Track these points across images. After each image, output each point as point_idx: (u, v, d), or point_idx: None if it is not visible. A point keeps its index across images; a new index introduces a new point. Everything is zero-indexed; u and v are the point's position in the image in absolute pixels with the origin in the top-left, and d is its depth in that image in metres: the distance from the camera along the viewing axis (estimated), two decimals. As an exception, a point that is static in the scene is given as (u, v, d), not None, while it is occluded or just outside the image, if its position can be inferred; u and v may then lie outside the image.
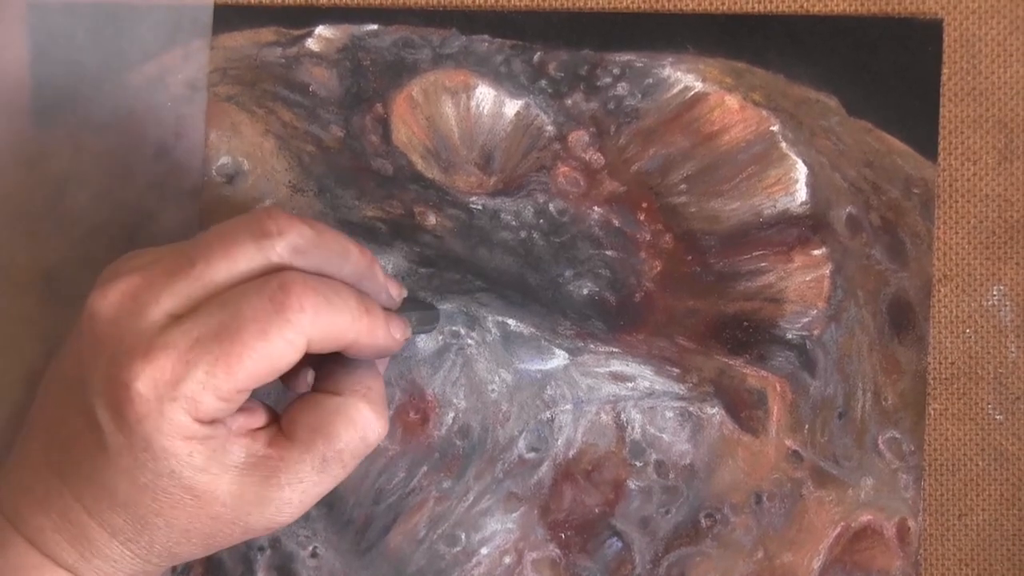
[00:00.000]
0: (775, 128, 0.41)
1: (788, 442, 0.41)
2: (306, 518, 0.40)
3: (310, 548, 0.40)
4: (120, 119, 0.40)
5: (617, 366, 0.41)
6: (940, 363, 0.41)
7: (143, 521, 0.30)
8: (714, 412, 0.41)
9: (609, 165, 0.41)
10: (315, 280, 0.30)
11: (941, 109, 0.41)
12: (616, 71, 0.41)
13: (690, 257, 0.41)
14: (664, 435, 0.41)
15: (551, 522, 0.40)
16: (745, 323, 0.41)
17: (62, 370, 0.32)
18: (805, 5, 0.41)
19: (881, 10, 0.41)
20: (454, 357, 0.40)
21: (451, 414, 0.40)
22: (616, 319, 0.41)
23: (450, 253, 0.41)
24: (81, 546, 0.31)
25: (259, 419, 0.32)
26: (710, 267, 0.41)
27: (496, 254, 0.41)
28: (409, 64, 0.41)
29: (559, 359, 0.40)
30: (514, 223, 0.41)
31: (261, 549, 0.40)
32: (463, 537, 0.40)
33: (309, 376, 0.34)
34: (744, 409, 0.41)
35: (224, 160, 0.41)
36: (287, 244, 0.30)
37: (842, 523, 0.40)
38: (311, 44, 0.41)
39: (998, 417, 0.41)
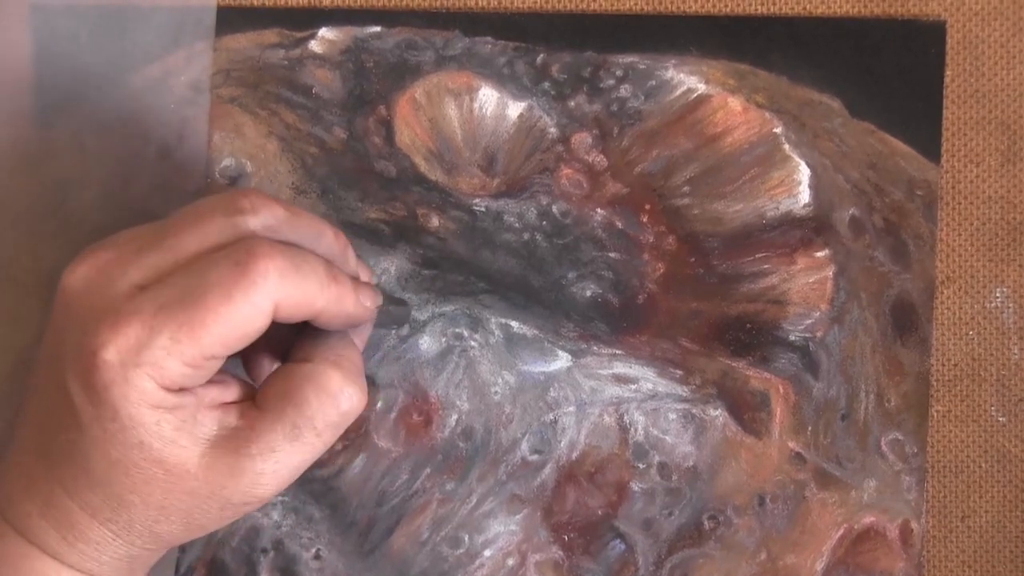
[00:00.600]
0: (778, 130, 0.41)
1: (791, 444, 0.41)
2: (309, 520, 0.40)
3: (313, 550, 0.40)
4: (123, 121, 0.40)
5: (620, 368, 0.41)
6: (943, 365, 0.41)
7: (119, 499, 0.30)
8: (717, 414, 0.41)
9: (612, 167, 0.41)
10: (282, 246, 0.30)
11: (944, 111, 0.41)
12: (619, 73, 0.41)
13: (693, 259, 0.41)
14: (667, 437, 0.41)
15: (554, 524, 0.40)
16: (748, 325, 0.41)
17: (43, 352, 0.32)
18: (808, 7, 0.41)
19: (884, 12, 0.41)
20: (457, 359, 0.40)
21: (454, 416, 0.40)
22: (619, 321, 0.41)
23: (453, 255, 0.41)
24: (64, 530, 0.31)
25: (232, 393, 0.32)
26: (713, 269, 0.41)
27: (499, 256, 0.41)
28: (412, 66, 0.41)
29: (562, 361, 0.40)
30: (517, 225, 0.41)
31: (264, 551, 0.40)
32: (466, 539, 0.40)
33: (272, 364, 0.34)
34: (747, 411, 0.41)
35: (227, 162, 0.41)
36: (259, 220, 0.31)
37: (845, 525, 0.40)
38: (314, 46, 0.41)
39: (1001, 419, 0.41)
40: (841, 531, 0.40)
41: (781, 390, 0.41)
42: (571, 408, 0.40)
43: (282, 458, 0.31)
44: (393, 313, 0.37)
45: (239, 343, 0.30)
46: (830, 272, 0.41)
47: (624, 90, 0.41)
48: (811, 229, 0.41)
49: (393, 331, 0.40)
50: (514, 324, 0.40)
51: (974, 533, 0.41)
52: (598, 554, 0.40)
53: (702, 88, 0.41)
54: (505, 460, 0.40)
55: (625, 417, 0.41)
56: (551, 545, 0.40)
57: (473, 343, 0.40)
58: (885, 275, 0.41)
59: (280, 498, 0.40)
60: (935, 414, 0.41)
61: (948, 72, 0.41)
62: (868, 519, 0.40)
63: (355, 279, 0.34)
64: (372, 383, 0.40)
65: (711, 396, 0.41)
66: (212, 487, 0.30)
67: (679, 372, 0.41)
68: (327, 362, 0.32)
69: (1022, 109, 0.41)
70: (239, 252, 0.29)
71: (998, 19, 0.41)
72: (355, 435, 0.40)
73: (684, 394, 0.41)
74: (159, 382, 0.29)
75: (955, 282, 0.41)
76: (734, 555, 0.40)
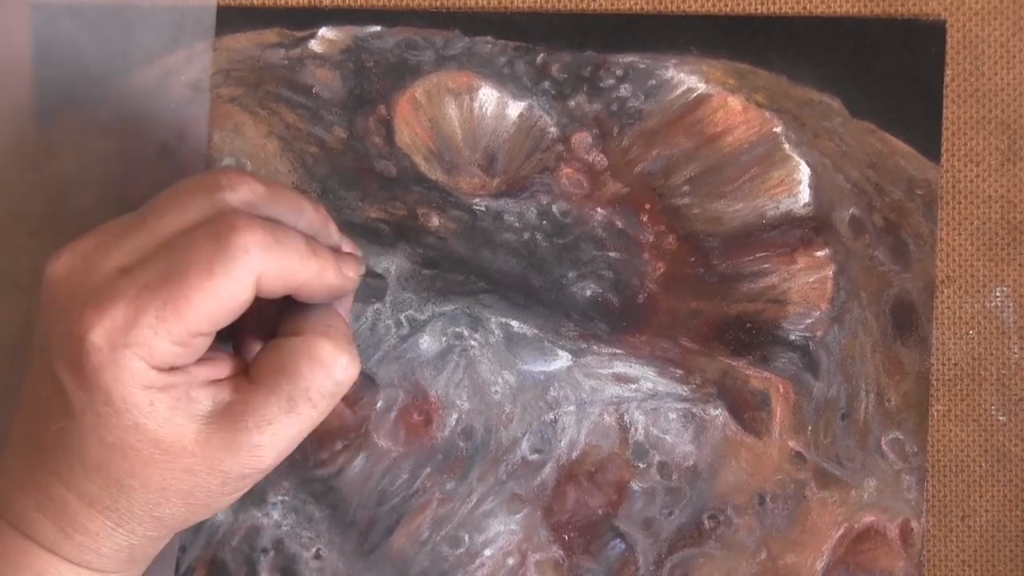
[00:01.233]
0: (778, 129, 0.41)
1: (791, 443, 0.41)
2: (309, 519, 0.40)
3: (314, 550, 0.40)
4: (123, 121, 0.40)
5: (620, 367, 0.41)
6: (943, 364, 0.41)
7: (118, 484, 0.30)
8: (717, 413, 0.41)
9: (612, 166, 0.41)
10: (261, 219, 0.30)
11: (944, 110, 0.41)
12: (619, 72, 0.41)
13: (693, 258, 0.41)
14: (667, 436, 0.41)
15: (554, 523, 0.40)
16: (748, 324, 0.41)
17: (33, 348, 0.32)
18: (808, 6, 0.41)
19: (884, 11, 0.41)
20: (457, 359, 0.40)
21: (454, 416, 0.40)
22: (619, 320, 0.41)
23: (453, 254, 0.41)
24: (62, 522, 0.31)
25: (224, 369, 0.32)
26: (713, 268, 0.41)
27: (499, 255, 0.41)
28: (412, 66, 0.41)
29: (562, 360, 0.40)
30: (517, 224, 0.41)
31: (264, 551, 0.40)
32: (466, 538, 0.40)
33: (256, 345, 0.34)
34: (747, 410, 0.41)
35: (227, 161, 0.41)
36: (239, 196, 0.31)
37: (845, 524, 0.40)
38: (314, 46, 0.41)
39: (1001, 418, 0.41)
40: (841, 530, 0.40)
41: (781, 389, 0.41)
42: (571, 407, 0.40)
43: (279, 430, 0.31)
44: (372, 286, 0.37)
45: (225, 318, 0.30)
46: (830, 271, 0.41)
47: (624, 89, 0.41)
48: (811, 228, 0.41)
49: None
50: (514, 323, 0.40)
51: (974, 532, 0.41)
52: (598, 553, 0.40)
53: (702, 88, 0.41)
54: (505, 459, 0.40)
55: (625, 416, 0.41)
56: (551, 544, 0.40)
57: (473, 342, 0.40)
58: (885, 274, 0.41)
59: (280, 498, 0.40)
60: (935, 413, 0.41)
61: (948, 72, 0.41)
62: (868, 518, 0.40)
63: (336, 250, 0.34)
64: (372, 383, 0.40)
65: (711, 395, 0.41)
66: (210, 463, 0.30)
67: (679, 371, 0.41)
68: (316, 333, 0.32)
69: (1022, 108, 0.41)
70: (218, 226, 0.29)
71: (998, 18, 0.41)
72: (355, 435, 0.40)
73: (684, 393, 0.41)
74: (148, 362, 0.29)
75: (955, 281, 0.41)
76: (734, 554, 0.40)
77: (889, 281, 0.41)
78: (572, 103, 0.41)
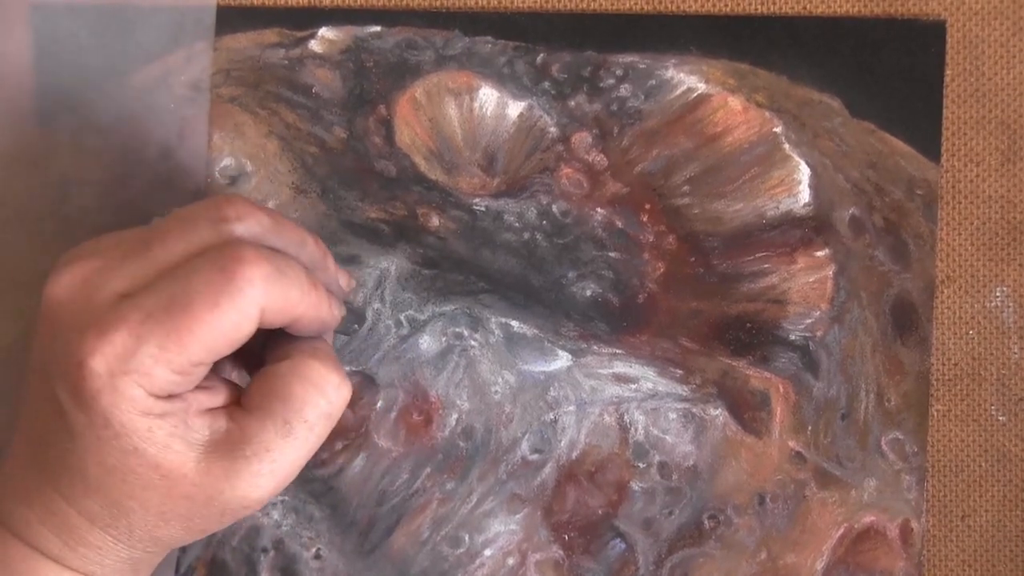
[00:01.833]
0: (778, 129, 0.41)
1: (791, 443, 0.41)
2: (309, 519, 0.40)
3: (314, 549, 0.40)
4: (123, 121, 0.40)
5: (620, 367, 0.41)
6: (943, 364, 0.41)
7: (118, 505, 0.30)
8: (717, 413, 0.41)
9: (612, 166, 0.41)
10: (267, 251, 0.30)
11: (944, 110, 0.41)
12: (619, 72, 0.41)
13: (693, 258, 0.41)
14: (667, 436, 0.41)
15: (554, 523, 0.40)
16: (748, 324, 0.41)
17: (32, 362, 0.32)
18: (808, 6, 0.41)
19: (884, 11, 0.41)
20: (457, 359, 0.40)
21: (454, 415, 0.40)
22: (619, 320, 0.41)
23: (453, 254, 0.41)
24: (65, 535, 0.31)
25: (220, 397, 0.32)
26: (713, 268, 0.41)
27: (499, 255, 0.41)
28: (412, 66, 0.41)
29: (562, 360, 0.40)
30: (517, 224, 0.41)
31: (264, 551, 0.40)
32: (466, 538, 0.40)
33: (234, 374, 0.34)
34: (747, 410, 0.41)
35: (227, 161, 0.41)
36: (245, 228, 0.31)
37: (845, 524, 0.40)
38: (314, 46, 0.41)
39: (1001, 418, 0.41)
40: (841, 530, 0.40)
41: (781, 389, 0.41)
42: (571, 407, 0.40)
43: (277, 456, 0.31)
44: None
45: (226, 349, 0.30)
46: (830, 271, 0.41)
47: (624, 89, 0.41)
48: (811, 228, 0.41)
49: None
50: (514, 323, 0.40)
51: (974, 532, 0.41)
52: (598, 553, 0.40)
53: (702, 87, 0.41)
54: (505, 459, 0.40)
55: (625, 416, 0.41)
56: (551, 544, 0.40)
57: (473, 342, 0.40)
58: (885, 274, 0.41)
59: (280, 498, 0.40)
60: (935, 413, 0.41)
61: (948, 71, 0.41)
62: (868, 518, 0.40)
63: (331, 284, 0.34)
64: (372, 382, 0.40)
65: (711, 395, 0.41)
66: (210, 492, 0.30)
67: (679, 371, 0.41)
68: (305, 354, 0.32)
69: (1022, 108, 0.41)
70: (224, 258, 0.29)
71: (998, 18, 0.41)
72: (355, 435, 0.40)
73: (684, 393, 0.41)
74: (148, 389, 0.29)
75: (955, 281, 0.41)
76: (734, 554, 0.40)
77: (889, 281, 0.41)
78: (572, 103, 0.41)
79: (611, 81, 0.41)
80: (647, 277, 0.41)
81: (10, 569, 0.31)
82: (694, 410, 0.41)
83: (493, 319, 0.40)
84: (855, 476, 0.41)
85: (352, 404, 0.40)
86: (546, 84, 0.41)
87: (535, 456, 0.40)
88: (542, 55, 0.41)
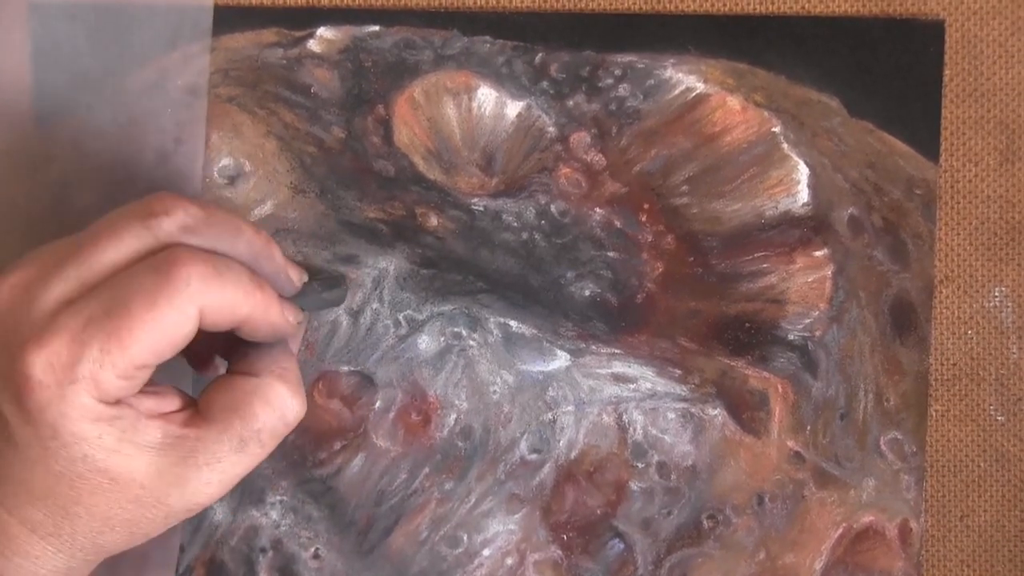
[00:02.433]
0: (777, 129, 0.41)
1: (790, 443, 0.41)
2: (308, 519, 0.40)
3: (312, 550, 0.40)
4: (121, 123, 0.40)
5: (619, 367, 0.41)
6: (942, 364, 0.41)
7: (64, 511, 0.30)
8: (716, 413, 0.41)
9: (611, 166, 0.41)
10: (203, 252, 0.30)
11: (943, 110, 0.41)
12: (618, 72, 0.41)
13: (692, 258, 0.41)
14: (666, 436, 0.41)
15: (553, 523, 0.40)
16: (747, 324, 0.41)
17: None
18: (807, 6, 0.41)
19: (883, 11, 0.41)
20: (456, 358, 0.40)
21: (453, 415, 0.40)
22: (618, 320, 0.41)
23: (452, 254, 0.41)
24: (2, 545, 0.30)
25: (172, 403, 0.32)
26: (712, 268, 0.41)
27: (498, 255, 0.41)
28: (411, 65, 0.41)
29: (561, 360, 0.40)
30: (516, 224, 0.41)
31: (263, 551, 0.40)
32: (465, 538, 0.40)
33: (221, 366, 0.34)
34: (746, 410, 0.41)
35: (225, 161, 0.41)
36: (174, 222, 0.30)
37: (844, 524, 0.41)
38: (313, 45, 0.41)
39: (999, 418, 0.41)
40: (840, 530, 0.40)
41: (780, 389, 0.41)
42: (570, 407, 0.40)
43: (227, 468, 0.31)
44: (328, 299, 0.36)
45: (168, 350, 0.30)
46: (829, 271, 0.41)
47: (623, 89, 0.41)
48: (810, 228, 0.41)
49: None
50: (513, 323, 0.40)
51: (973, 532, 0.41)
52: (597, 553, 0.40)
53: (701, 87, 0.41)
54: (504, 459, 0.40)
55: (624, 416, 0.41)
56: (550, 544, 0.40)
57: (472, 342, 0.40)
58: (884, 274, 0.41)
59: (279, 498, 0.40)
60: (934, 413, 0.41)
61: (947, 71, 0.41)
62: (867, 518, 0.40)
63: (287, 286, 0.33)
64: (371, 383, 0.40)
65: (710, 395, 0.41)
66: (158, 495, 0.31)
67: (678, 371, 0.41)
68: (272, 375, 0.32)
69: (1021, 108, 0.41)
70: (159, 260, 0.29)
71: (997, 18, 0.41)
72: (353, 435, 0.40)
73: (683, 393, 0.41)
74: (95, 396, 0.29)
75: (954, 281, 0.41)
76: (733, 554, 0.40)
77: (888, 281, 0.41)
78: (571, 103, 0.41)
79: (610, 81, 0.41)
80: (646, 277, 0.41)
81: None
82: (693, 410, 0.41)
83: (492, 319, 0.40)
84: (854, 476, 0.40)
85: (351, 404, 0.40)
86: (544, 84, 0.41)
87: (534, 456, 0.40)
88: (540, 55, 0.41)
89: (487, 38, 0.41)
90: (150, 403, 0.31)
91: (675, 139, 0.41)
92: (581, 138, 0.41)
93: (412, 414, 0.40)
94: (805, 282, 0.41)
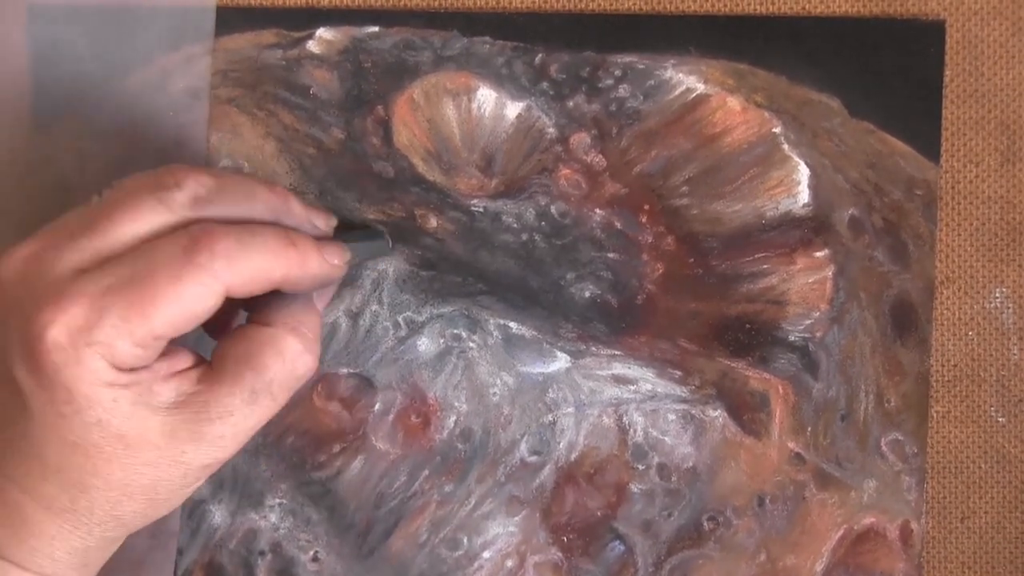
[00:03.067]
0: (777, 130, 0.41)
1: (791, 444, 0.40)
2: (307, 522, 0.40)
3: (311, 552, 0.40)
4: (121, 125, 0.40)
5: (619, 369, 0.40)
6: (943, 365, 0.41)
7: (79, 484, 0.30)
8: (716, 415, 0.40)
9: (611, 167, 0.41)
10: (227, 226, 0.30)
11: (943, 111, 0.41)
12: (618, 73, 0.41)
13: (692, 259, 0.41)
14: (666, 438, 0.40)
15: (553, 525, 0.40)
16: (747, 325, 0.41)
17: None
18: (807, 6, 0.41)
19: (883, 12, 0.41)
20: (455, 360, 0.40)
21: (452, 417, 0.40)
22: (618, 322, 0.41)
23: (451, 256, 0.40)
24: (16, 526, 0.30)
25: (183, 361, 0.32)
26: (712, 269, 0.41)
27: (497, 257, 0.41)
28: (410, 66, 0.41)
29: (561, 362, 0.40)
30: (515, 225, 0.41)
31: (262, 553, 0.40)
32: (465, 541, 0.40)
33: (241, 317, 0.34)
34: (746, 411, 0.40)
35: (225, 162, 0.40)
36: (187, 193, 0.30)
37: (845, 525, 0.40)
38: (312, 46, 0.41)
39: (1001, 419, 0.41)
40: (841, 532, 0.40)
41: (780, 390, 0.40)
42: (570, 409, 0.40)
43: (239, 421, 0.31)
44: (371, 248, 0.36)
45: (188, 324, 0.30)
46: (829, 272, 0.41)
47: (623, 90, 0.41)
48: (810, 229, 0.41)
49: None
50: (512, 325, 0.40)
51: (974, 534, 0.41)
52: (597, 555, 0.40)
53: (701, 88, 0.41)
54: (504, 461, 0.40)
55: (624, 418, 0.40)
56: (550, 547, 0.40)
57: (471, 344, 0.40)
58: (884, 275, 0.41)
59: (278, 500, 0.40)
60: (935, 414, 0.41)
61: (947, 72, 0.41)
62: (868, 520, 0.40)
63: (319, 231, 0.33)
64: (370, 385, 0.40)
65: (710, 397, 0.40)
66: (174, 454, 0.30)
67: (678, 373, 0.40)
68: (286, 327, 0.32)
69: (1021, 109, 0.41)
70: (183, 237, 0.29)
71: (997, 19, 0.41)
72: (353, 437, 0.40)
73: (683, 395, 0.40)
74: (110, 361, 0.29)
75: (954, 282, 0.41)
76: (733, 556, 0.40)
77: (888, 282, 0.41)
78: (571, 103, 0.41)
79: (610, 81, 0.41)
80: (646, 278, 0.41)
81: None
82: (693, 411, 0.40)
83: (491, 320, 0.40)
84: (855, 477, 0.40)
85: (350, 406, 0.40)
86: (544, 84, 0.41)
87: (534, 458, 0.40)
88: (540, 55, 0.41)
89: (487, 39, 0.41)
90: (165, 365, 0.31)
91: (675, 140, 0.41)
92: (581, 139, 0.41)
93: (412, 416, 0.40)
94: (806, 283, 0.41)
